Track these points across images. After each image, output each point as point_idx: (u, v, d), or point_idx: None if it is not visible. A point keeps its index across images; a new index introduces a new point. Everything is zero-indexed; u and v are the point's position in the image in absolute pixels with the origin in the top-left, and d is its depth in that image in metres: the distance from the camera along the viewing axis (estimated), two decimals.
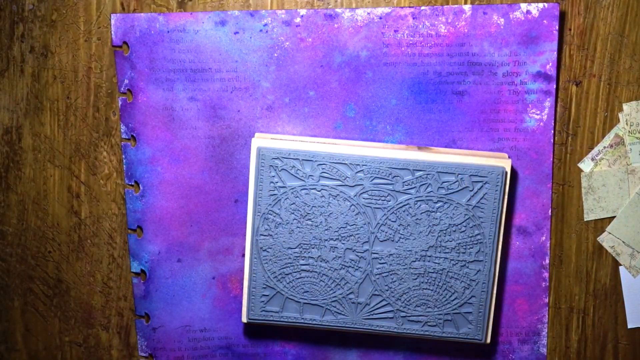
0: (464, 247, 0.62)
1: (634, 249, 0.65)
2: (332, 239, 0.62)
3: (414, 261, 0.62)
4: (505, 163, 0.60)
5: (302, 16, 0.63)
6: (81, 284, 0.68)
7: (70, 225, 0.67)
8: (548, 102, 0.63)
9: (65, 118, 0.66)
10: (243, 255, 0.66)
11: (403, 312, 0.63)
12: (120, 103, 0.64)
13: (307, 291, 0.63)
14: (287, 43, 0.63)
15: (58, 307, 0.68)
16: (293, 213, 0.62)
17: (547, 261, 0.65)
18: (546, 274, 0.65)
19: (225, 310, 0.67)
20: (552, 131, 0.63)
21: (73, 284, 0.68)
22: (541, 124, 0.63)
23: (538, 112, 0.63)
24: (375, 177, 0.61)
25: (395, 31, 0.63)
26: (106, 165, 0.66)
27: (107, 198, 0.67)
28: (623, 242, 0.65)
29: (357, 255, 0.62)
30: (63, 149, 0.66)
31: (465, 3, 0.63)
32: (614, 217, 0.65)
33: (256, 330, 0.67)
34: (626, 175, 0.64)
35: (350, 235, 0.62)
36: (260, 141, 0.61)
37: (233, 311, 0.67)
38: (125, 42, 0.63)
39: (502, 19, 0.62)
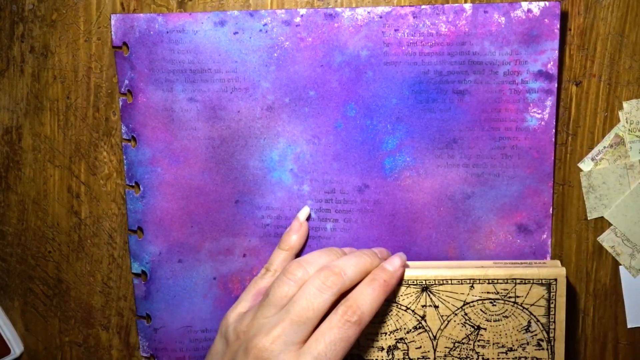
0: None
1: (634, 249, 0.65)
2: None
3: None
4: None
5: (302, 16, 0.63)
6: (81, 284, 0.68)
7: (70, 225, 0.67)
8: (549, 101, 0.63)
9: (65, 118, 0.66)
10: (244, 256, 0.66)
11: None
12: (120, 104, 0.64)
13: None
14: (287, 43, 0.63)
15: (58, 307, 0.68)
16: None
17: (548, 260, 0.65)
18: None
19: (226, 311, 0.66)
20: (554, 130, 0.63)
21: (73, 284, 0.68)
22: (542, 123, 0.63)
23: (539, 111, 0.63)
24: None
25: (395, 30, 0.62)
26: (106, 166, 0.66)
27: (107, 198, 0.66)
28: (623, 241, 0.65)
29: None
30: (63, 149, 0.66)
31: (466, 2, 0.63)
32: None
33: None
34: (625, 170, 0.64)
35: None
36: None
37: None
38: (125, 43, 0.63)
39: (503, 18, 0.62)
